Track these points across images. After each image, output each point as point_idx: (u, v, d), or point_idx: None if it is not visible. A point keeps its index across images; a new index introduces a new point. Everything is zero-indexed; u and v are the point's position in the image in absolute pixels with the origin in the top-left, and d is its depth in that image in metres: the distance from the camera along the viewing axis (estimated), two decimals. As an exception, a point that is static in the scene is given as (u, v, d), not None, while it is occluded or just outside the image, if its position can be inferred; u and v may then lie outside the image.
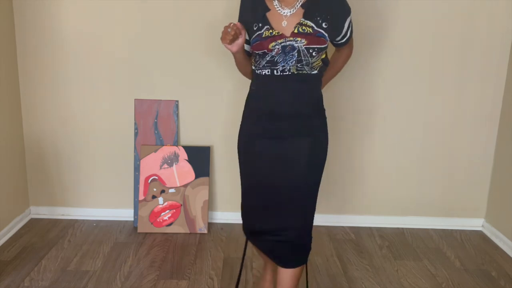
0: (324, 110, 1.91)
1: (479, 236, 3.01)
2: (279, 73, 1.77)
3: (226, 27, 1.78)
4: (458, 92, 2.90)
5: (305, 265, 1.96)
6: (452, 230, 3.06)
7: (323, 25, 1.74)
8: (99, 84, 2.87)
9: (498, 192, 2.95)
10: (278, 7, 1.77)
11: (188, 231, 2.91)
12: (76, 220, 3.02)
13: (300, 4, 1.76)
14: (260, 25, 1.77)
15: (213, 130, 2.94)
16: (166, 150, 2.92)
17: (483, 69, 2.86)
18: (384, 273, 2.54)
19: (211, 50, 2.82)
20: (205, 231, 2.91)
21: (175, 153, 2.92)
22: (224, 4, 2.74)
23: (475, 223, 3.09)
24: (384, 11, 2.76)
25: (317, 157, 1.86)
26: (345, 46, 1.98)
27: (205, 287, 2.35)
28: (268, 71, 1.79)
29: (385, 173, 3.01)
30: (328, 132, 1.92)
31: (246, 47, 1.90)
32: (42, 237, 2.80)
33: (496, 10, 2.77)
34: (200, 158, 2.92)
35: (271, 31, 1.74)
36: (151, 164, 2.90)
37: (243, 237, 2.86)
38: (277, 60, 1.75)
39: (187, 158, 2.92)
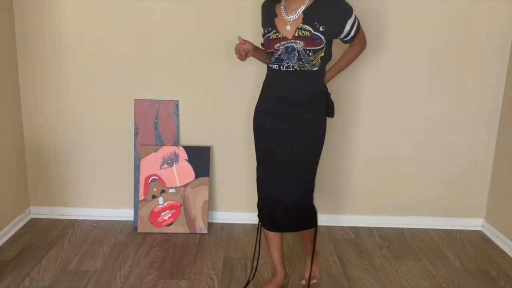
0: (323, 98, 2.16)
1: (479, 236, 3.01)
2: (284, 69, 2.07)
3: (236, 51, 2.13)
4: (458, 92, 2.90)
5: (315, 230, 2.27)
6: (452, 230, 3.07)
7: (320, 28, 2.00)
8: (99, 84, 2.87)
9: (498, 192, 2.95)
10: (284, 14, 2.06)
11: (188, 231, 2.91)
12: (76, 220, 3.02)
13: (302, 10, 2.02)
14: (269, 29, 2.08)
15: (213, 130, 2.95)
16: (166, 150, 2.92)
17: (483, 69, 2.86)
18: (384, 273, 2.54)
19: (211, 50, 2.82)
20: (205, 231, 2.91)
21: (175, 153, 2.92)
22: (224, 4, 2.74)
23: (475, 223, 3.09)
24: (384, 11, 2.76)
25: (315, 136, 2.14)
26: (355, 42, 2.18)
27: (205, 287, 2.35)
28: (276, 66, 2.10)
29: (385, 173, 3.02)
30: (327, 119, 2.20)
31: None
32: (42, 237, 2.80)
33: (496, 10, 2.77)
34: (200, 158, 2.92)
35: (277, 34, 2.04)
36: (151, 164, 2.91)
37: (243, 237, 2.88)
38: (282, 58, 2.05)
39: (187, 158, 2.92)
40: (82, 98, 2.89)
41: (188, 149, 2.92)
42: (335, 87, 2.84)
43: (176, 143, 2.94)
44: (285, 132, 2.11)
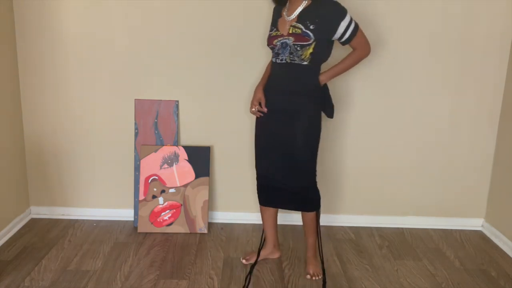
0: (316, 92, 2.32)
1: (479, 236, 3.01)
2: (279, 61, 2.30)
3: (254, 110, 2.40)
4: (458, 92, 2.90)
5: (317, 215, 2.48)
6: (452, 230, 3.07)
7: (311, 27, 2.19)
8: (99, 84, 2.87)
9: (498, 192, 2.96)
10: (285, 15, 2.29)
11: (188, 231, 2.91)
12: (76, 220, 3.02)
13: (299, 12, 2.24)
14: (273, 28, 2.33)
15: (213, 130, 2.95)
16: (166, 150, 2.92)
17: (483, 69, 2.86)
18: (383, 272, 2.54)
19: (211, 50, 2.82)
20: (205, 231, 2.92)
21: (175, 153, 2.92)
22: (224, 4, 2.75)
23: (475, 223, 3.10)
24: (384, 11, 2.76)
25: (306, 127, 2.30)
26: (355, 46, 2.32)
27: (205, 287, 2.35)
28: (275, 59, 2.34)
29: (385, 173, 3.02)
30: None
31: None
32: (42, 237, 2.80)
33: (496, 10, 2.77)
34: (200, 158, 2.92)
35: (276, 32, 2.29)
36: (151, 164, 2.91)
37: (243, 237, 2.88)
38: (278, 52, 2.29)
39: (187, 158, 2.92)
40: (82, 98, 2.89)
41: (188, 149, 2.92)
42: (336, 86, 2.85)
43: (176, 143, 2.94)
44: (279, 121, 2.32)
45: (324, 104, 2.38)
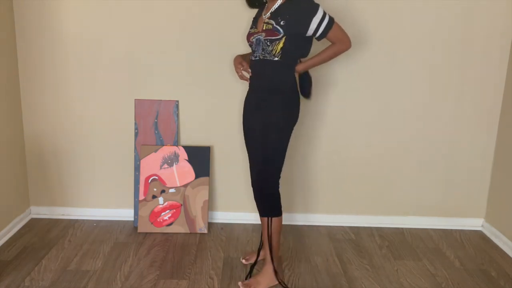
0: (285, 89, 2.28)
1: (479, 236, 3.01)
2: (254, 59, 2.32)
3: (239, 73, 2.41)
4: (458, 92, 2.90)
5: (268, 223, 2.34)
6: (451, 230, 3.07)
7: (281, 23, 2.20)
8: (99, 84, 2.87)
9: (498, 192, 2.96)
10: (263, 14, 2.32)
11: (188, 231, 2.91)
12: (76, 220, 3.03)
13: (273, 10, 2.27)
14: (253, 26, 2.38)
15: (213, 130, 2.95)
16: (166, 150, 2.92)
17: (483, 69, 2.86)
18: (384, 272, 2.54)
19: (211, 50, 2.82)
20: (205, 231, 2.92)
21: (175, 153, 2.92)
22: (224, 4, 2.75)
23: (475, 223, 3.10)
24: (383, 11, 2.76)
25: (270, 123, 2.27)
26: (333, 40, 2.29)
27: (205, 287, 2.35)
28: (251, 57, 2.36)
29: (385, 173, 3.02)
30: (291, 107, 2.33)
31: None
32: (42, 237, 2.80)
33: (496, 10, 2.77)
34: (200, 158, 2.92)
35: (254, 29, 2.35)
36: (151, 164, 2.91)
37: (243, 237, 2.88)
38: (254, 49, 2.31)
39: (187, 158, 2.92)
40: (82, 98, 2.89)
41: (188, 149, 2.92)
42: (339, 87, 2.85)
43: (176, 143, 2.94)
44: (249, 118, 2.37)
45: (301, 85, 2.36)
